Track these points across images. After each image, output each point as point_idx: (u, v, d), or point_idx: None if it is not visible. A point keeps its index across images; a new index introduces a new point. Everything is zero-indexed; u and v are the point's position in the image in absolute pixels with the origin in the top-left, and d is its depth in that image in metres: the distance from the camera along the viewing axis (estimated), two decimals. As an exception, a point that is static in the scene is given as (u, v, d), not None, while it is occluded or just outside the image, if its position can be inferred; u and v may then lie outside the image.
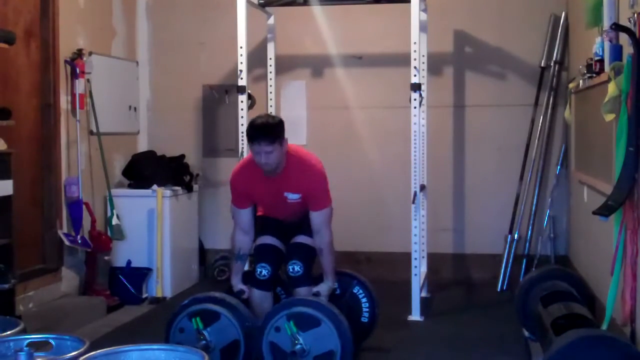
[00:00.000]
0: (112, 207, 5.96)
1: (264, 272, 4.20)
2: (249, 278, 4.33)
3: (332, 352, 3.91)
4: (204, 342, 4.00)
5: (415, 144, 5.34)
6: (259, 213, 4.47)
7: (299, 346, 3.89)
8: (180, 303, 4.21)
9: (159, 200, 6.04)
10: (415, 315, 5.34)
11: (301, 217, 4.29)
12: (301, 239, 4.28)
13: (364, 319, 4.55)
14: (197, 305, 4.09)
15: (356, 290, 4.55)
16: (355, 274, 4.65)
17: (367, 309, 4.55)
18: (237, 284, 4.31)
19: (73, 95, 5.70)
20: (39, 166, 5.47)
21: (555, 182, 6.42)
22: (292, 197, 4.19)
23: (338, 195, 6.68)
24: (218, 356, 4.02)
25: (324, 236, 4.23)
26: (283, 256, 4.32)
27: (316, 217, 4.21)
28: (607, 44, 4.02)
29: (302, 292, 4.19)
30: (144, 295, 6.02)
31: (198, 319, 4.02)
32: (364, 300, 4.55)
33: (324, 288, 4.22)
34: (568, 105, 5.98)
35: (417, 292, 5.36)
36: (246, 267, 4.48)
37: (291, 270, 4.21)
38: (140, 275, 6.01)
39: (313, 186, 4.19)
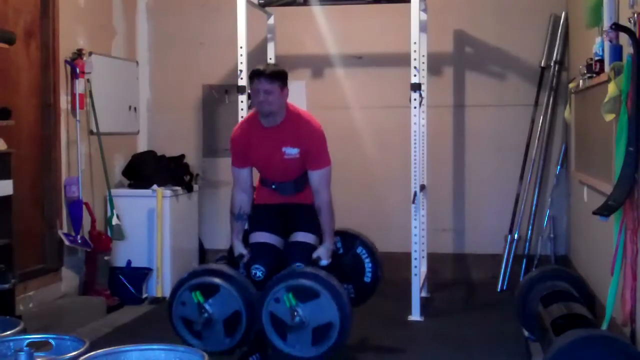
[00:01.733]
0: (112, 207, 5.96)
1: (258, 273, 4.15)
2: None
3: (330, 324, 3.92)
4: (205, 315, 4.01)
5: (415, 144, 5.35)
6: (255, 200, 4.40)
7: (297, 318, 3.90)
8: (180, 277, 4.23)
9: (159, 200, 6.04)
10: (415, 315, 5.34)
11: (297, 181, 4.26)
12: (301, 237, 4.25)
13: (367, 279, 4.53)
14: (196, 279, 4.10)
15: (359, 250, 4.54)
16: (359, 233, 4.61)
17: (370, 270, 4.53)
18: (238, 247, 4.28)
19: (73, 95, 5.70)
20: (39, 166, 5.47)
21: (555, 182, 6.42)
22: (290, 152, 4.16)
23: (338, 194, 6.67)
24: (222, 326, 4.04)
25: (323, 196, 4.23)
26: (279, 253, 4.26)
27: (315, 176, 4.22)
28: (607, 44, 4.02)
29: None
30: (144, 295, 6.02)
31: (198, 292, 4.04)
32: (367, 260, 4.53)
33: (322, 252, 4.19)
34: (568, 105, 5.98)
35: (417, 292, 5.36)
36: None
37: None
38: (140, 275, 6.01)
39: (312, 143, 4.19)
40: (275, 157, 4.20)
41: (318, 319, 3.93)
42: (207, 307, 4.03)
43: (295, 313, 3.90)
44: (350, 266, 4.43)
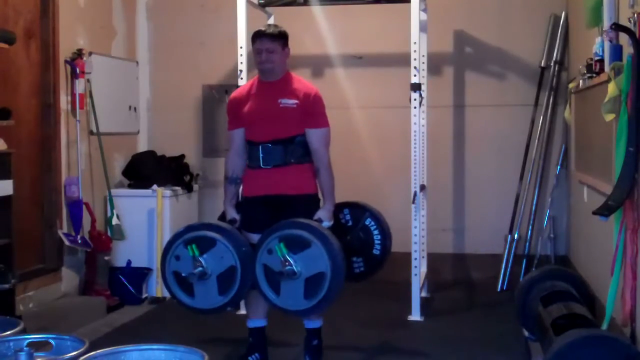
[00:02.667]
0: (112, 207, 5.97)
1: None
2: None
3: (322, 274, 3.84)
4: (200, 268, 3.96)
5: (415, 144, 5.35)
6: (244, 192, 4.31)
7: (289, 267, 3.85)
8: (175, 232, 4.16)
9: (159, 200, 6.04)
10: (415, 315, 5.34)
11: (287, 145, 4.13)
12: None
13: (376, 252, 4.46)
14: (192, 233, 4.04)
15: (368, 222, 4.46)
16: (368, 205, 4.55)
17: (379, 242, 4.45)
18: (230, 211, 4.25)
19: (73, 95, 5.70)
20: (39, 166, 5.47)
21: (555, 182, 6.42)
22: (287, 102, 4.12)
23: (337, 194, 6.67)
24: (215, 282, 3.98)
25: (322, 156, 4.19)
26: None
27: (314, 135, 4.17)
28: (607, 44, 4.03)
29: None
30: (144, 295, 6.02)
31: (194, 246, 3.98)
32: (375, 232, 4.45)
33: (323, 213, 4.13)
34: (568, 105, 5.99)
35: (417, 292, 5.36)
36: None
37: None
38: (140, 275, 6.01)
39: (311, 100, 4.15)
40: (269, 107, 4.13)
41: (310, 269, 3.85)
42: (202, 260, 3.96)
43: (287, 263, 3.85)
44: (359, 239, 4.37)
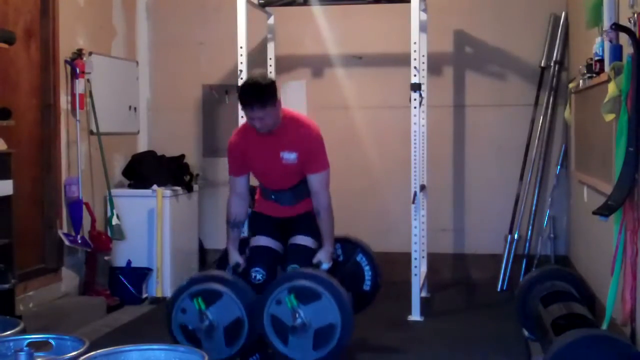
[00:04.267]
0: (112, 207, 5.96)
1: (258, 276, 4.12)
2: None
3: (332, 325, 3.87)
4: (207, 322, 3.97)
5: (415, 143, 5.35)
6: (255, 208, 4.39)
7: (299, 319, 3.86)
8: (179, 285, 4.17)
9: (159, 200, 6.04)
10: (415, 315, 5.34)
11: (295, 189, 4.19)
12: (300, 239, 4.20)
13: (366, 287, 4.50)
14: (198, 286, 4.05)
15: (359, 258, 4.50)
16: (359, 241, 4.58)
17: (370, 278, 4.50)
18: (234, 256, 4.24)
19: (73, 95, 5.70)
20: (39, 166, 5.47)
21: (555, 182, 6.42)
22: (288, 156, 4.08)
23: (337, 195, 6.66)
24: (222, 334, 4.00)
25: (321, 199, 4.15)
26: (279, 256, 4.24)
27: (314, 180, 4.14)
28: (607, 44, 4.03)
29: None
30: (144, 295, 6.02)
31: (200, 299, 3.99)
32: (366, 268, 4.50)
33: (323, 255, 4.14)
34: (568, 105, 5.98)
35: (417, 292, 5.36)
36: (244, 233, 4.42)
37: None
38: (140, 275, 6.01)
39: (310, 146, 4.10)
40: (273, 163, 4.12)
41: (320, 321, 3.89)
42: (208, 314, 3.99)
43: (297, 315, 3.87)
44: (350, 274, 4.38)
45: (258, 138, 4.11)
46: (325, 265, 4.13)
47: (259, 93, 3.91)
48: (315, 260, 4.13)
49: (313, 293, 3.90)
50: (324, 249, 4.18)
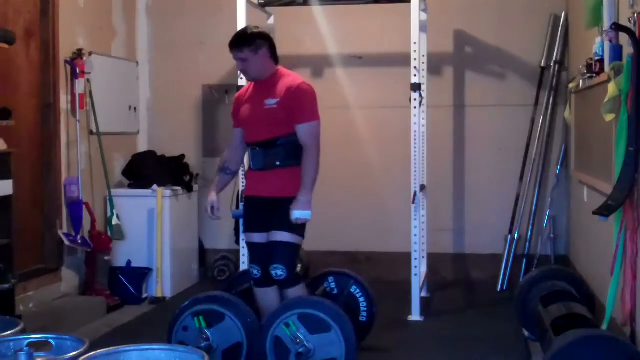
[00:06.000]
0: (112, 207, 5.96)
1: (255, 272, 4.15)
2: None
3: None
4: (206, 342, 3.97)
5: (415, 143, 5.35)
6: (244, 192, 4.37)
7: (302, 348, 3.85)
8: (180, 305, 4.18)
9: (159, 200, 6.04)
10: (416, 315, 5.34)
11: (268, 147, 4.10)
12: (279, 236, 4.07)
13: (363, 318, 4.54)
14: (201, 306, 4.06)
15: (353, 289, 4.54)
16: (353, 273, 4.63)
17: (365, 308, 4.54)
18: (211, 195, 4.34)
19: (73, 95, 5.70)
20: (39, 166, 5.47)
21: (555, 182, 6.42)
22: (270, 102, 4.06)
23: (338, 195, 6.67)
24: (220, 357, 3.99)
25: (309, 149, 4.04)
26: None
27: (301, 131, 4.04)
28: (607, 44, 4.02)
29: (291, 293, 4.08)
30: (144, 295, 6.02)
31: (201, 317, 4.01)
32: (361, 299, 4.54)
33: (297, 205, 3.99)
34: (568, 105, 5.99)
35: (417, 292, 5.36)
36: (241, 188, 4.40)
37: (274, 275, 4.05)
38: (140, 275, 6.01)
39: (293, 94, 4.05)
40: (256, 109, 4.14)
41: (325, 353, 3.87)
42: (209, 334, 3.98)
43: (301, 341, 3.85)
44: (345, 306, 4.33)
45: (253, 89, 4.23)
46: (300, 214, 3.99)
47: (239, 36, 4.16)
48: (293, 218, 4.00)
49: (324, 324, 3.88)
50: (298, 199, 4.02)
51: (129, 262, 6.04)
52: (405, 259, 5.49)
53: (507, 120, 6.53)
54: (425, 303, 5.57)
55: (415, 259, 5.37)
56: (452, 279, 6.58)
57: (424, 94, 5.56)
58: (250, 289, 4.34)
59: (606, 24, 4.06)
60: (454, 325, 5.26)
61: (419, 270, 5.40)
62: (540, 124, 6.39)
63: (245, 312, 4.04)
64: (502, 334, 4.95)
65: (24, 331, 3.03)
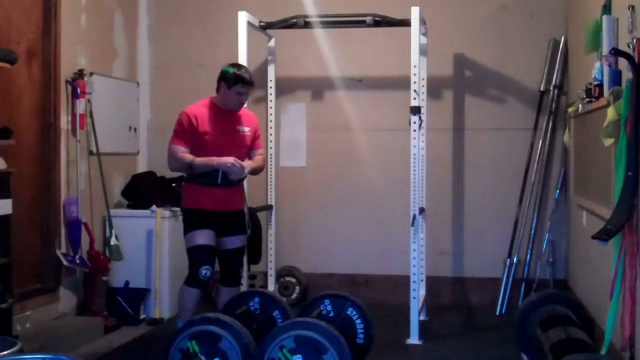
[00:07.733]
0: (111, 228, 5.96)
1: (208, 273, 4.63)
2: (190, 279, 4.67)
3: None
4: None
5: (414, 166, 5.35)
6: (186, 205, 4.80)
7: None
8: (176, 328, 4.16)
9: (158, 221, 6.04)
10: (414, 339, 5.32)
11: (244, 157, 4.80)
12: (237, 242, 4.84)
13: (359, 341, 4.51)
14: (197, 327, 4.05)
15: (350, 311, 4.53)
16: (349, 295, 4.62)
17: (362, 330, 4.52)
18: (221, 159, 4.65)
19: (73, 115, 5.72)
20: (38, 186, 5.47)
21: (554, 206, 6.42)
22: (243, 129, 4.82)
23: (337, 216, 6.67)
24: None
25: (261, 162, 4.95)
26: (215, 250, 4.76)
27: (259, 154, 4.93)
28: (606, 69, 4.04)
29: (232, 291, 4.81)
30: (142, 316, 6.00)
31: (194, 342, 4.00)
32: (358, 321, 4.52)
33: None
34: (567, 130, 6.00)
35: (415, 316, 5.34)
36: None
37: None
38: (138, 296, 5.99)
39: (256, 126, 4.96)
40: (230, 134, 4.76)
41: None
42: (203, 358, 3.97)
43: None
44: (342, 329, 4.33)
45: (219, 113, 4.78)
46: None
47: (249, 73, 4.82)
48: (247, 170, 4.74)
49: (319, 346, 3.88)
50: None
51: (127, 283, 6.02)
52: (404, 281, 5.48)
53: (506, 143, 6.54)
54: (423, 326, 5.55)
55: (414, 281, 5.35)
56: (451, 302, 6.56)
57: (423, 117, 5.57)
58: (247, 311, 4.38)
59: (605, 48, 4.08)
60: (453, 349, 5.24)
61: (418, 293, 5.38)
62: (539, 148, 6.40)
63: (242, 333, 4.03)
64: (500, 359, 4.93)
65: (21, 351, 3.02)
